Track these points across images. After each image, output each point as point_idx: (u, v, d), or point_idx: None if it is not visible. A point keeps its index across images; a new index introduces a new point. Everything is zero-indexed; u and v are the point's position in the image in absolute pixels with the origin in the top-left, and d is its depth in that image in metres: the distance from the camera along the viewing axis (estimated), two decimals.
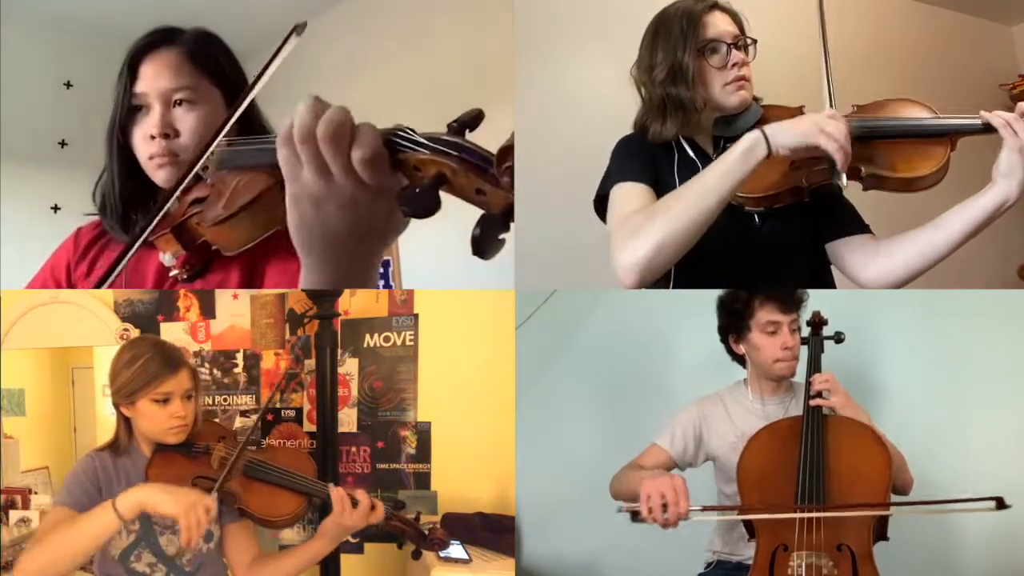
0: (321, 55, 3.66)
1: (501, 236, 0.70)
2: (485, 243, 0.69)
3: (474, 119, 0.78)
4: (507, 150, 0.69)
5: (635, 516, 1.30)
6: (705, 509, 1.33)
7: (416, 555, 1.56)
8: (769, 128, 1.30)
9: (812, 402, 1.44)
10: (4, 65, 3.30)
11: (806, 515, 1.30)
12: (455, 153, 0.73)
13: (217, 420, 2.10)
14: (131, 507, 1.27)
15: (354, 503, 1.46)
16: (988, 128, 1.34)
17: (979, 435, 1.93)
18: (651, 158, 1.51)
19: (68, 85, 3.55)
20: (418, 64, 3.11)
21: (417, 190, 0.71)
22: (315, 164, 0.74)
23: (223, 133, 1.10)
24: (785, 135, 1.29)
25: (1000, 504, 1.23)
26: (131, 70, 1.32)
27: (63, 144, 3.46)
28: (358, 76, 3.46)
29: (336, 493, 1.46)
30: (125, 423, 1.47)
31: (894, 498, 1.36)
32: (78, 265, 1.41)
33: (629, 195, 1.44)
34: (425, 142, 0.75)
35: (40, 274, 1.46)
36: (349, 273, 0.80)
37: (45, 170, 3.38)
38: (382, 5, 3.45)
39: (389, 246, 0.83)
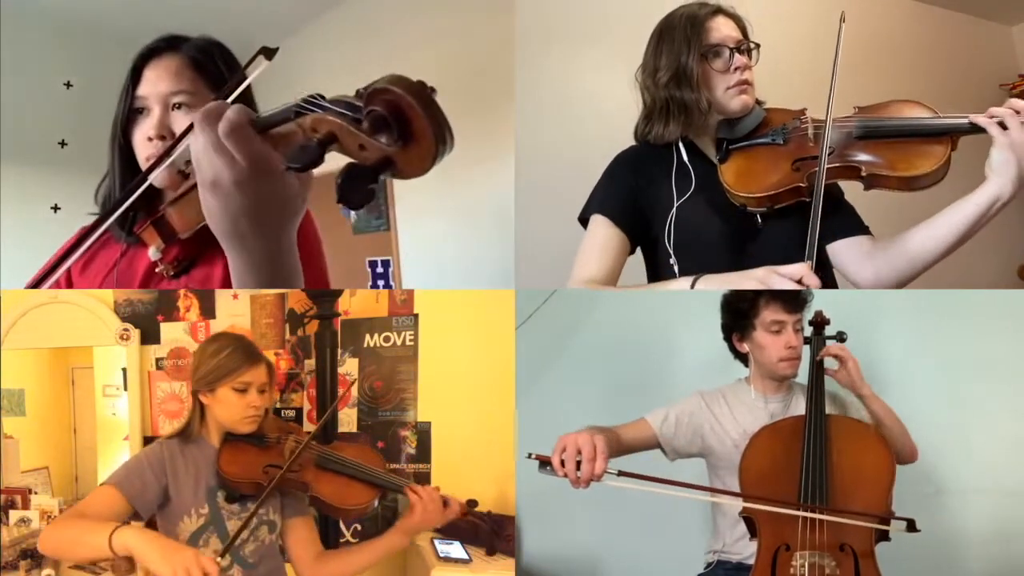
0: (321, 55, 3.66)
1: (369, 186, 0.73)
2: (349, 191, 0.72)
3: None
4: (372, 93, 0.72)
5: (543, 466, 1.26)
6: (622, 474, 1.26)
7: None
8: (703, 282, 1.33)
9: (823, 357, 1.48)
10: (4, 65, 3.30)
11: (782, 509, 1.30)
12: (337, 110, 0.77)
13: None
14: (120, 545, 1.22)
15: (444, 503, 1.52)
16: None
17: (979, 435, 1.93)
18: (638, 181, 1.55)
19: (68, 85, 3.54)
20: (418, 64, 3.11)
21: (302, 147, 0.76)
22: (200, 145, 0.84)
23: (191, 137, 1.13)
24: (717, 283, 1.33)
25: (911, 527, 1.25)
26: (135, 73, 1.36)
27: (63, 144, 3.45)
28: (358, 76, 3.45)
29: (414, 494, 1.50)
30: (200, 411, 1.53)
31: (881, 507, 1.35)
32: (78, 261, 1.43)
33: (596, 240, 1.53)
34: (321, 104, 0.80)
35: (42, 270, 1.47)
36: (263, 255, 0.88)
37: (45, 170, 3.37)
38: (382, 5, 3.45)
39: (287, 228, 0.90)
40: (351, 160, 0.76)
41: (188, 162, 1.21)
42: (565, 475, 1.25)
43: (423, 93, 0.71)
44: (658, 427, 1.56)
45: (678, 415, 1.58)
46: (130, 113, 1.37)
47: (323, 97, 0.82)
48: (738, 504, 1.40)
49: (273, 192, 0.85)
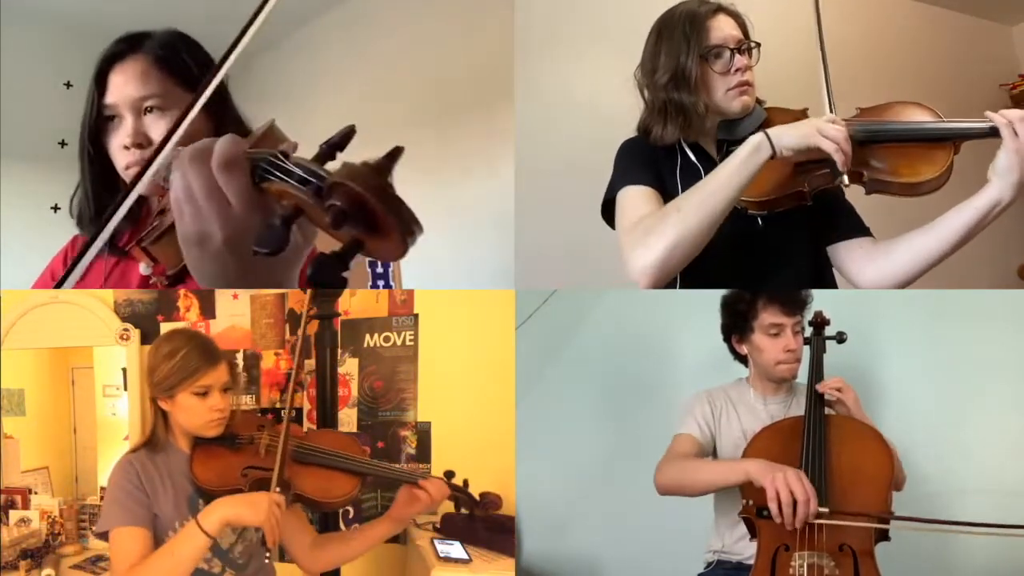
0: (321, 55, 3.66)
1: (343, 275, 0.65)
2: (323, 281, 0.64)
3: (344, 138, 0.73)
4: (331, 187, 0.65)
5: (761, 512, 1.27)
6: (835, 514, 1.27)
7: (471, 518, 1.59)
8: (773, 131, 1.34)
9: (822, 392, 1.46)
10: (4, 65, 3.30)
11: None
12: (302, 177, 0.69)
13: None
14: (216, 524, 1.29)
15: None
16: (991, 132, 1.34)
17: (979, 434, 1.92)
18: (653, 160, 1.51)
19: (68, 85, 3.53)
20: (418, 64, 3.11)
21: (268, 227, 0.67)
22: (184, 190, 0.73)
23: (191, 115, 1.06)
24: (788, 137, 1.33)
25: None
26: (99, 81, 1.31)
27: (63, 144, 3.44)
28: (358, 76, 3.46)
29: (424, 491, 1.49)
30: (162, 417, 1.46)
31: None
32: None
33: (636, 199, 1.45)
34: (288, 168, 0.71)
35: (40, 280, 1.46)
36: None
37: (45, 170, 3.35)
38: (382, 5, 3.45)
39: (294, 273, 0.80)
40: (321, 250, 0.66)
41: (166, 177, 1.16)
42: (782, 520, 1.25)
43: (383, 189, 0.63)
44: (699, 437, 1.56)
45: (704, 419, 1.59)
46: (99, 121, 1.31)
47: (286, 157, 0.72)
48: (737, 505, 1.40)
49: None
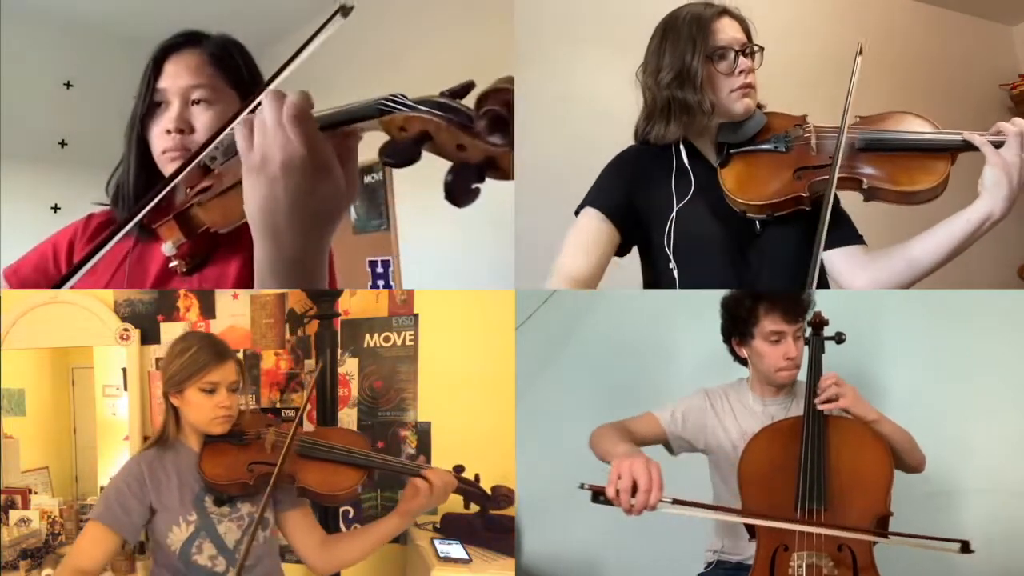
0: (320, 54, 3.66)
1: (475, 186, 0.73)
2: (457, 190, 0.73)
3: (464, 88, 0.83)
4: (488, 94, 0.73)
5: (597, 496, 1.23)
6: (676, 503, 1.24)
7: (482, 515, 1.57)
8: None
9: (824, 406, 1.41)
10: (4, 65, 3.30)
11: (800, 527, 1.29)
12: (440, 112, 0.78)
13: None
14: None
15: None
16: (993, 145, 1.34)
17: (979, 435, 1.92)
18: (636, 182, 1.53)
19: (68, 85, 3.55)
20: (418, 64, 3.11)
21: (400, 143, 0.77)
22: (258, 122, 0.87)
23: (236, 122, 1.12)
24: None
25: (965, 548, 1.19)
26: (155, 67, 1.37)
27: (63, 144, 3.46)
28: (358, 75, 3.46)
29: (426, 482, 1.46)
30: (174, 414, 1.51)
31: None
32: (83, 249, 1.43)
33: (587, 232, 1.50)
34: (413, 104, 0.81)
35: (41, 246, 1.49)
36: (295, 253, 0.89)
37: (45, 170, 3.38)
38: (382, 4, 3.45)
39: (325, 231, 0.91)
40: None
41: (214, 158, 1.21)
42: (619, 504, 1.22)
43: None
44: (666, 423, 1.57)
45: (684, 411, 1.59)
46: (149, 106, 1.37)
47: (405, 96, 0.83)
48: (736, 504, 1.40)
49: (318, 189, 0.86)
